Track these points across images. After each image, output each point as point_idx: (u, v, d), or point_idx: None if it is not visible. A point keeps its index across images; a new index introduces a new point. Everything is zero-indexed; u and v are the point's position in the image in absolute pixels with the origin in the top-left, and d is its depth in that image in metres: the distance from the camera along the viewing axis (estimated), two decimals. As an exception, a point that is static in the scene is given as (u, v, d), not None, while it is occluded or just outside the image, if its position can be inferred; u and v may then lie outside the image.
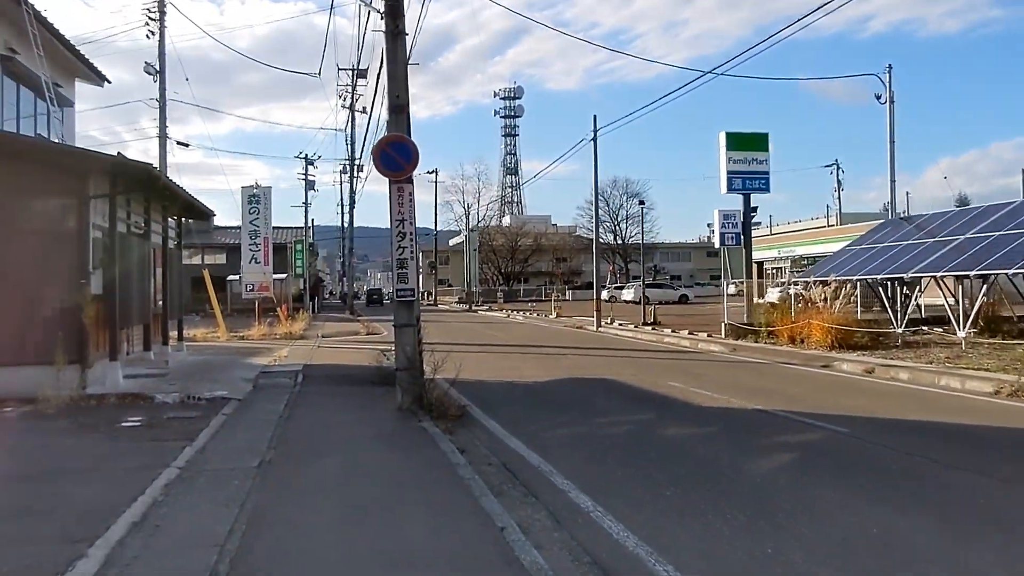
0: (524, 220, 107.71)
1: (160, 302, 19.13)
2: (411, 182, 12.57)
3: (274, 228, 39.98)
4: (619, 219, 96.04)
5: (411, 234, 12.46)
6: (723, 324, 26.62)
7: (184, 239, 57.66)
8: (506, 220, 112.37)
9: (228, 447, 9.45)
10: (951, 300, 23.00)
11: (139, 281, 15.97)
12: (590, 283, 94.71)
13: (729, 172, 27.68)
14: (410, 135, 12.59)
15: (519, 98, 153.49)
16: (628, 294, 66.64)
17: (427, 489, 7.51)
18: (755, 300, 33.30)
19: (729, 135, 27.92)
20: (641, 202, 38.81)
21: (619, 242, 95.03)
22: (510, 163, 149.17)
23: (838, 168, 78.28)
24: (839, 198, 77.00)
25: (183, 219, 21.60)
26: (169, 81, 29.30)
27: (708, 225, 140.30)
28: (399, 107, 12.55)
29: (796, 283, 38.49)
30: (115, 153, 14.27)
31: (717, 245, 30.28)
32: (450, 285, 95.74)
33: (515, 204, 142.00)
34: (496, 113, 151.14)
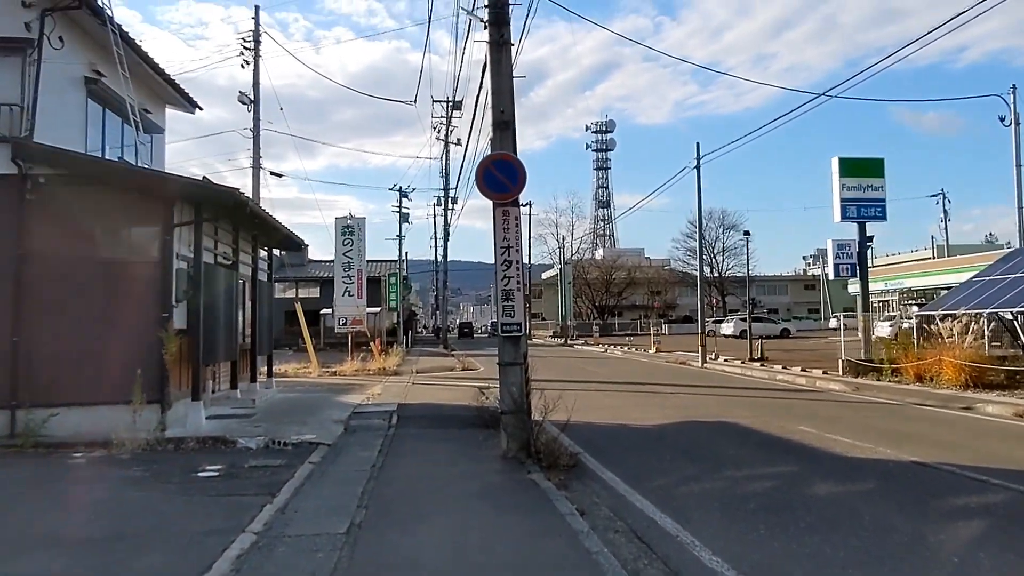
0: (618, 253, 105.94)
1: (249, 337, 18.23)
2: (518, 205, 11.29)
3: (368, 261, 39.35)
4: (715, 251, 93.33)
5: (517, 262, 11.15)
6: (840, 360, 24.57)
7: (277, 272, 58.10)
8: (599, 253, 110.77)
9: (313, 505, 8.19)
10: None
11: (226, 314, 15.04)
12: (687, 316, 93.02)
13: (843, 199, 25.75)
14: (516, 154, 11.32)
15: (611, 131, 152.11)
16: (727, 328, 64.22)
17: (550, 569, 6.09)
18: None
19: (842, 160, 26.02)
20: (746, 232, 36.81)
21: (715, 275, 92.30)
22: (602, 196, 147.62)
23: (944, 198, 74.75)
24: (946, 229, 73.27)
25: (274, 250, 20.79)
26: (265, 115, 28.88)
27: (804, 258, 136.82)
28: (504, 123, 11.30)
29: (912, 317, 35.92)
30: (200, 177, 13.38)
31: (831, 276, 28.20)
32: (544, 319, 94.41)
33: (607, 237, 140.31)
34: (588, 147, 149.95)
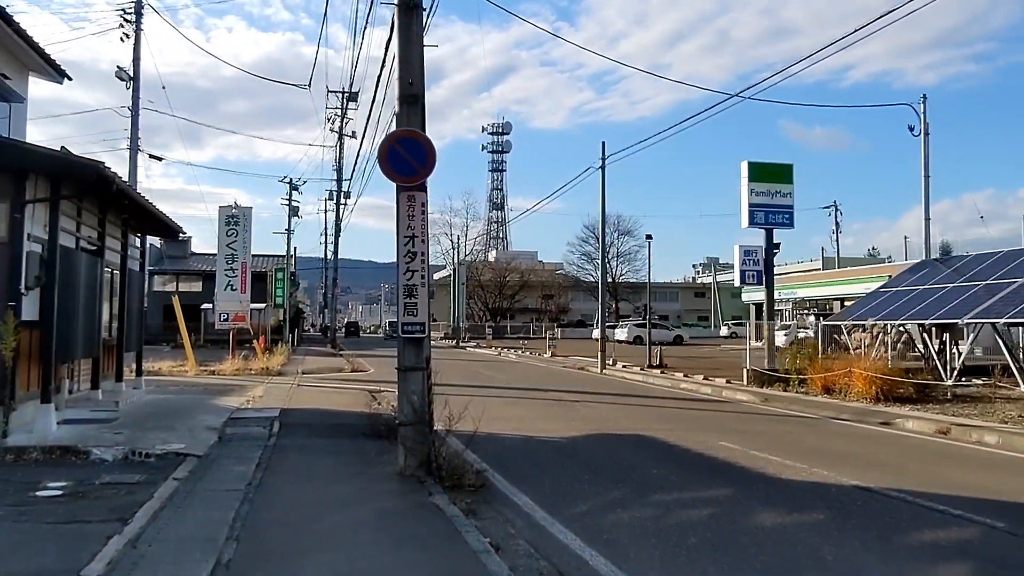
0: (512, 255, 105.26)
1: (116, 331, 16.45)
2: (425, 190, 10.06)
3: (253, 256, 37.35)
4: (610, 256, 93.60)
5: (423, 254, 9.92)
6: (745, 370, 24.10)
7: (156, 264, 55.18)
8: (492, 255, 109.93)
9: (174, 535, 6.80)
10: (1004, 350, 20.64)
11: (87, 306, 13.34)
12: (580, 321, 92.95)
13: (751, 205, 25.25)
14: (424, 131, 10.11)
15: (507, 133, 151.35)
16: (622, 333, 64.14)
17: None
18: (756, 344, 31.03)
19: (752, 165, 25.56)
20: (648, 236, 36.27)
21: (610, 280, 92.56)
22: (496, 198, 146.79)
23: (837, 210, 76.57)
24: (837, 241, 75.07)
25: (149, 238, 18.99)
26: (149, 100, 26.83)
27: (694, 266, 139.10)
28: (413, 96, 10.06)
29: (808, 326, 36.08)
30: (59, 148, 11.73)
31: (736, 283, 27.80)
32: (435, 320, 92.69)
33: (501, 240, 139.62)
34: (484, 148, 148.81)
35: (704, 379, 25.67)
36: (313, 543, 6.68)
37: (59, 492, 8.33)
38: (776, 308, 59.80)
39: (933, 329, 22.15)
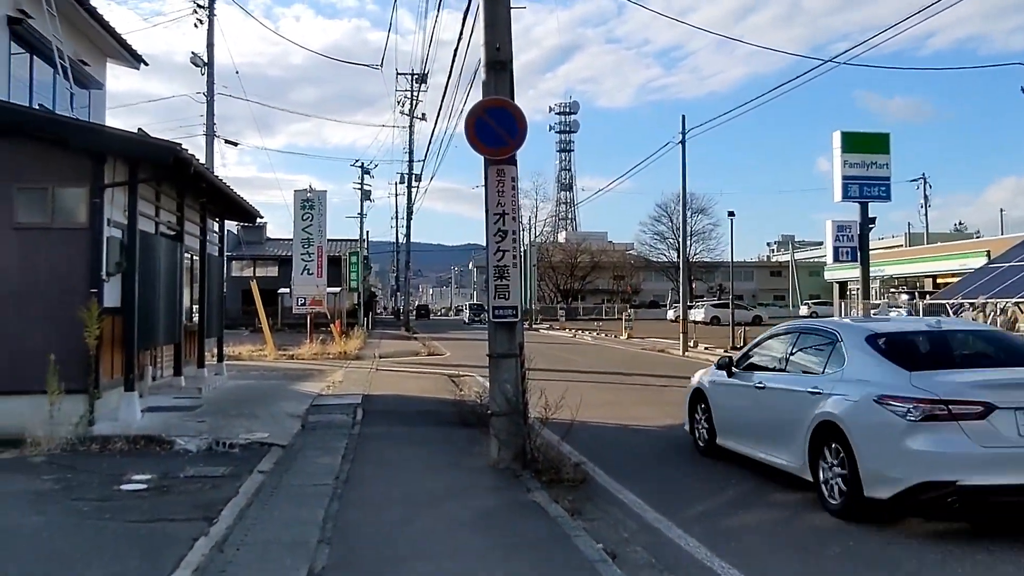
0: (582, 236, 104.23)
1: (197, 317, 16.27)
2: (515, 163, 9.48)
3: (328, 240, 37.29)
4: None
5: (514, 233, 9.36)
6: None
7: (234, 250, 55.79)
8: (561, 237, 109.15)
9: (260, 538, 6.36)
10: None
11: (168, 291, 13.11)
12: (652, 302, 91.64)
13: (844, 177, 24.14)
14: (513, 99, 9.52)
15: (574, 113, 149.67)
16: (698, 314, 62.73)
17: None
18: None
19: (845, 135, 24.46)
20: (731, 213, 34.97)
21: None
22: (565, 179, 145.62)
23: (926, 183, 73.61)
24: (926, 215, 72.22)
25: (227, 223, 18.81)
26: (222, 88, 26.79)
27: (768, 244, 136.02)
28: (500, 63, 9.47)
29: (902, 305, 34.69)
30: (136, 130, 11.43)
31: (830, 260, 26.65)
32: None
33: (569, 221, 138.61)
34: (551, 128, 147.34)
35: (792, 362, 24.68)
36: (411, 549, 6.18)
37: (143, 486, 7.99)
38: (860, 287, 58.12)
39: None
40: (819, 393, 7.71)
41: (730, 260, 36.51)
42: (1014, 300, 20.07)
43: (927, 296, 32.47)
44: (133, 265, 11.25)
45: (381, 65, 51.52)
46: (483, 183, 9.46)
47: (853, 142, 24.46)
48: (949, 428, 6.49)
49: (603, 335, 45.25)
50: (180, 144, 11.10)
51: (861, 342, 7.83)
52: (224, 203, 16.75)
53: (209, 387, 15.03)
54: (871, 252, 61.30)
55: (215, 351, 18.03)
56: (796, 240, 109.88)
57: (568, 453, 9.64)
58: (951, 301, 22.26)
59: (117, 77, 17.67)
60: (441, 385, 18.10)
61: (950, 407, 6.52)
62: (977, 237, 67.75)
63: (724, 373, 9.92)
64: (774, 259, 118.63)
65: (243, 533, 6.46)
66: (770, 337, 9.74)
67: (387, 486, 8.30)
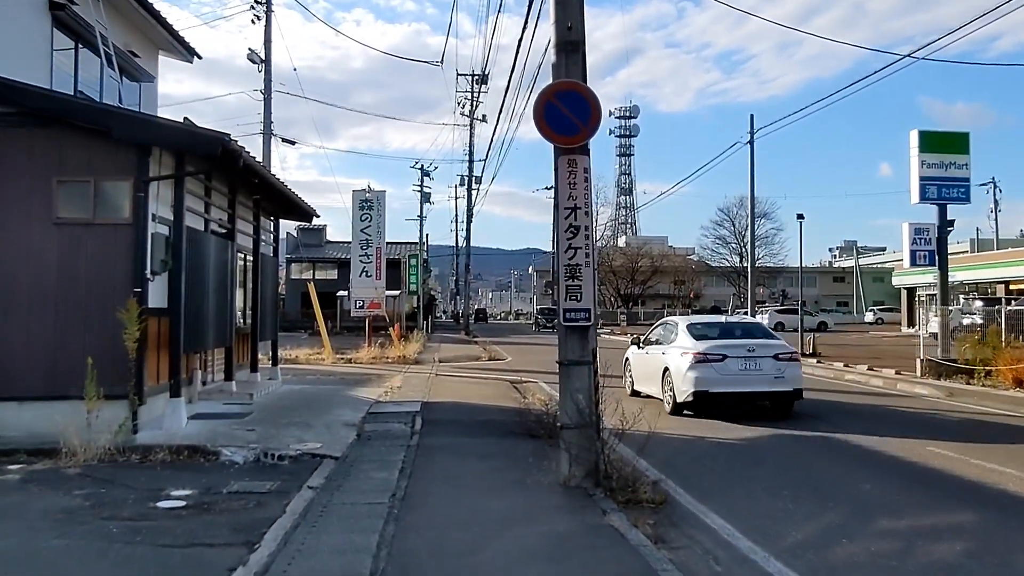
0: (643, 241, 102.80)
1: (250, 319, 15.67)
2: (588, 153, 8.63)
3: (387, 243, 36.79)
4: (745, 240, 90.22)
5: (587, 229, 8.50)
6: (919, 360, 21.74)
7: (293, 253, 55.74)
8: (621, 241, 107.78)
9: (305, 569, 5.58)
10: None
11: (218, 292, 12.47)
12: (714, 307, 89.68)
13: (922, 179, 22.69)
14: (586, 83, 8.65)
15: (634, 117, 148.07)
16: (762, 319, 61.02)
17: None
18: (911, 330, 28.36)
19: (923, 134, 23.03)
20: (800, 216, 33.56)
21: (746, 264, 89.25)
22: (625, 183, 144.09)
23: (995, 187, 71.02)
24: (996, 220, 69.49)
25: (282, 221, 18.21)
26: (281, 94, 26.33)
27: (831, 249, 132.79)
28: (572, 44, 8.61)
29: (975, 311, 32.99)
30: (182, 119, 10.80)
31: (906, 265, 25.18)
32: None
33: (629, 225, 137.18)
34: (611, 132, 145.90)
35: (869, 369, 23.42)
36: (477, 585, 5.35)
37: (182, 503, 7.27)
38: (930, 293, 55.86)
39: None
40: (665, 354, 14.60)
41: (799, 265, 35.03)
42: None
43: (1011, 302, 30.73)
44: (180, 263, 10.62)
45: (441, 61, 51.21)
46: (553, 175, 8.62)
47: (931, 142, 23.06)
48: (706, 366, 13.41)
49: (666, 340, 44.09)
50: (229, 135, 10.43)
51: (684, 327, 14.84)
52: (279, 201, 16.15)
53: (261, 393, 14.39)
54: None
55: (270, 355, 17.44)
56: (859, 246, 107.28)
57: (645, 469, 8.75)
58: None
59: (180, 81, 17.24)
60: (503, 392, 17.31)
61: (707, 355, 13.50)
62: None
63: (635, 348, 16.54)
64: (836, 264, 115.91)
65: (286, 562, 5.69)
66: (653, 327, 16.71)
67: (448, 506, 7.47)
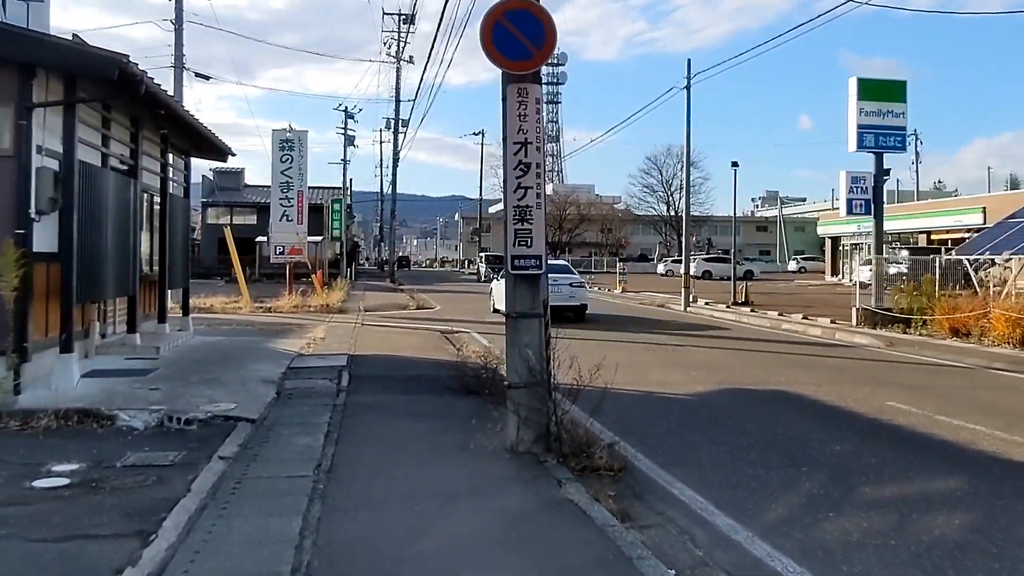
0: (571, 189, 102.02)
1: (157, 265, 14.35)
2: (539, 81, 7.64)
3: (309, 188, 35.22)
4: (672, 189, 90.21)
5: (539, 166, 7.50)
6: (854, 309, 21.43)
7: (210, 197, 53.49)
8: (549, 188, 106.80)
9: (210, 569, 4.59)
10: None
11: (120, 235, 11.19)
12: (641, 255, 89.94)
13: (860, 126, 22.20)
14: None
15: (562, 64, 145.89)
16: (690, 268, 60.94)
17: None
18: (834, 279, 28.22)
19: (862, 81, 22.51)
20: (734, 164, 32.77)
21: (672, 213, 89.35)
22: (552, 131, 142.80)
23: (917, 139, 71.82)
24: (917, 172, 70.43)
25: (191, 158, 16.77)
26: (198, 38, 24.51)
27: (753, 199, 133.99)
28: (522, -49, 7.54)
29: (902, 260, 33.08)
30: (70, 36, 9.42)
31: (843, 213, 24.79)
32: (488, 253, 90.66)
33: (556, 173, 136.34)
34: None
35: (804, 319, 23.06)
36: (422, 584, 4.42)
37: (65, 481, 6.17)
38: (854, 243, 56.27)
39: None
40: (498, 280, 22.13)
41: (732, 213, 34.58)
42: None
43: (945, 251, 30.73)
44: (72, 202, 9.36)
45: None
46: (500, 106, 7.58)
47: (870, 89, 22.57)
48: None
49: (597, 288, 43.39)
50: (127, 56, 9.10)
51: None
52: (190, 136, 14.75)
53: (170, 346, 13.16)
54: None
55: (180, 304, 16.14)
56: (781, 196, 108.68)
57: (599, 432, 7.90)
58: (972, 256, 20.61)
59: (89, 17, 15.39)
60: (435, 343, 16.36)
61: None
62: (955, 195, 66.16)
63: (496, 279, 22.97)
64: (758, 214, 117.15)
65: (188, 558, 4.69)
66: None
67: (383, 479, 6.50)
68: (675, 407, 10.07)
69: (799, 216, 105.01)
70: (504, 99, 7.49)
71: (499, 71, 7.59)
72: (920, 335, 18.49)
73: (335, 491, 6.09)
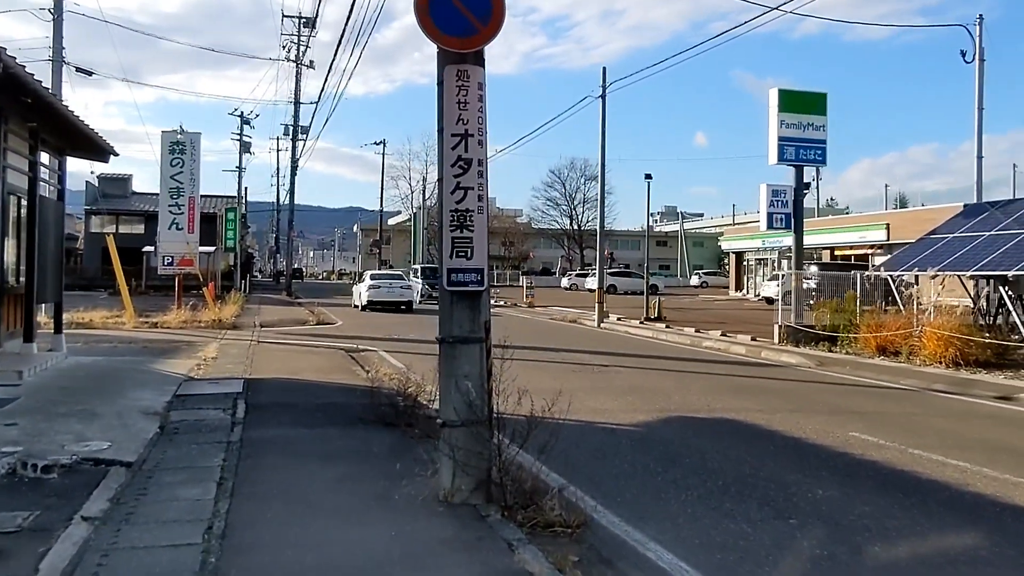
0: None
1: (24, 277, 12.61)
2: (483, 63, 6.46)
3: (202, 196, 33.21)
4: (576, 203, 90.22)
5: (481, 164, 6.34)
6: (777, 327, 20.91)
7: (95, 204, 50.45)
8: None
9: None
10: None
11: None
12: (544, 269, 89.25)
13: (780, 139, 21.78)
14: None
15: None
16: (593, 282, 60.47)
17: None
18: (739, 294, 28.00)
19: (783, 92, 22.11)
20: (647, 176, 32.31)
21: (575, 227, 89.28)
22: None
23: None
24: (818, 188, 71.49)
25: (66, 157, 15.01)
26: (84, 46, 22.53)
27: (652, 214, 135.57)
28: (463, -92, 6.38)
29: (811, 277, 33.07)
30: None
31: (763, 227, 24.29)
32: (391, 266, 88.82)
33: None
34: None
35: (722, 335, 22.51)
36: None
37: None
38: (760, 258, 56.71)
39: (991, 283, 19.15)
40: (363, 283, 35.59)
41: (646, 227, 34.81)
42: (971, 272, 18.12)
43: (867, 266, 30.75)
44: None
45: None
46: (436, 91, 6.39)
47: (791, 101, 22.18)
48: (375, 289, 33.12)
49: (503, 303, 42.36)
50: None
51: (369, 276, 35.88)
52: (65, 132, 13.09)
53: (36, 369, 11.46)
54: (752, 224, 60.21)
55: (53, 319, 14.35)
56: (679, 211, 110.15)
57: (545, 476, 6.78)
58: (897, 273, 20.29)
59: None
60: (340, 363, 14.99)
61: (374, 286, 33.49)
62: (848, 212, 67.68)
63: (360, 283, 36.49)
64: (657, 229, 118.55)
65: None
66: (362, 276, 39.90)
67: (292, 548, 5.19)
68: (623, 441, 8.96)
69: (697, 231, 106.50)
70: (440, 83, 6.30)
71: (433, 51, 6.42)
72: (846, 354, 18.01)
73: (231, 567, 4.78)
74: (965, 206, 33.52)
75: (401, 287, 33.85)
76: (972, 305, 18.91)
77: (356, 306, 33.97)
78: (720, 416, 10.38)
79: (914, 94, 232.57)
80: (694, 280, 76.81)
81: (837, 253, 45.44)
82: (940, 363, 15.72)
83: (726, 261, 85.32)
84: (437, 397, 9.39)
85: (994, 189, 79.49)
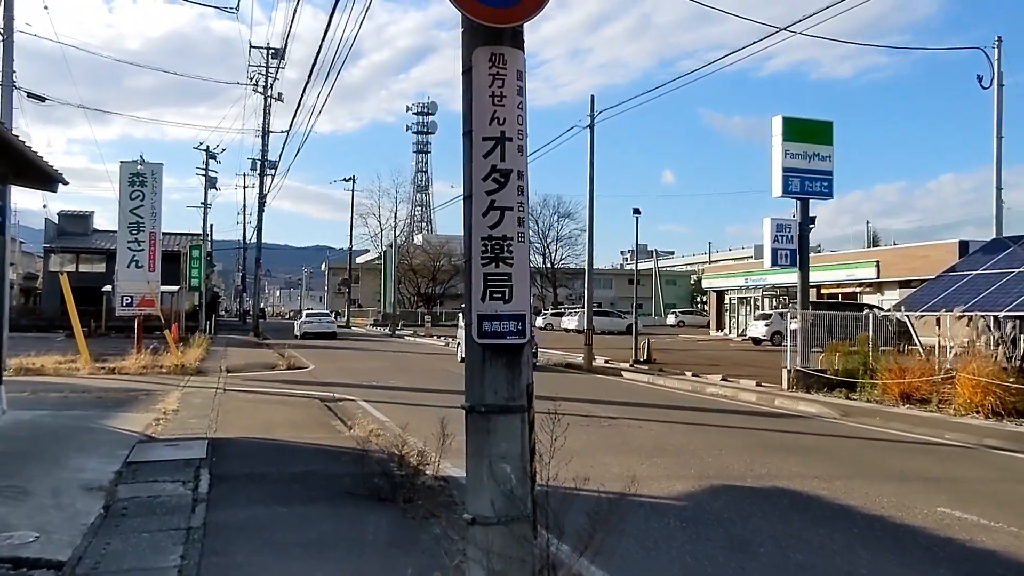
0: (444, 240, 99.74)
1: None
2: (522, 45, 5.00)
3: (165, 234, 31.55)
4: (549, 240, 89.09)
5: (521, 175, 4.85)
6: (786, 371, 19.53)
7: (53, 242, 48.46)
8: (418, 239, 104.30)
9: None
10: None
11: None
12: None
13: (785, 170, 20.53)
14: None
15: (432, 113, 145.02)
16: (570, 322, 59.54)
17: None
18: (720, 334, 26.78)
19: (788, 120, 20.90)
20: (636, 211, 31.41)
21: (548, 265, 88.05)
22: (421, 181, 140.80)
23: (789, 194, 72.43)
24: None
25: (10, 186, 13.40)
26: (52, 82, 20.96)
27: (622, 252, 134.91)
28: None
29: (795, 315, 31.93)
30: None
31: (767, 264, 22.89)
32: (360, 306, 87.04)
33: (425, 223, 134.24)
34: (408, 128, 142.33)
35: (724, 380, 21.15)
36: None
37: None
38: (742, 296, 55.55)
39: (1019, 324, 17.88)
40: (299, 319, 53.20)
41: (635, 263, 33.64)
42: (1003, 313, 16.82)
43: (881, 308, 29.55)
44: None
45: (236, 8, 43.46)
46: (461, 84, 4.93)
47: (796, 129, 20.98)
48: (304, 324, 46.25)
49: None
50: None
51: (306, 313, 52.51)
52: (6, 157, 11.49)
53: (-37, 430, 9.79)
54: (730, 262, 58.99)
55: (-9, 369, 12.65)
56: (648, 250, 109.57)
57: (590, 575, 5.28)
58: (918, 313, 19.03)
59: None
60: (318, 417, 13.40)
61: (307, 320, 47.35)
62: (819, 251, 67.02)
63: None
64: (628, 267, 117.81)
65: None
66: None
67: None
68: (671, 522, 7.37)
69: (668, 269, 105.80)
70: (468, 71, 4.81)
71: (457, 33, 4.98)
72: (867, 402, 16.64)
73: None
74: (961, 243, 32.79)
75: (327, 321, 47.44)
76: (993, 347, 17.63)
77: (296, 335, 43.56)
78: (771, 485, 8.88)
79: (880, 132, 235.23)
80: (670, 319, 75.73)
81: (824, 292, 44.37)
82: (978, 413, 14.35)
83: (701, 300, 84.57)
84: (437, 460, 8.01)
85: (959, 228, 78.98)
